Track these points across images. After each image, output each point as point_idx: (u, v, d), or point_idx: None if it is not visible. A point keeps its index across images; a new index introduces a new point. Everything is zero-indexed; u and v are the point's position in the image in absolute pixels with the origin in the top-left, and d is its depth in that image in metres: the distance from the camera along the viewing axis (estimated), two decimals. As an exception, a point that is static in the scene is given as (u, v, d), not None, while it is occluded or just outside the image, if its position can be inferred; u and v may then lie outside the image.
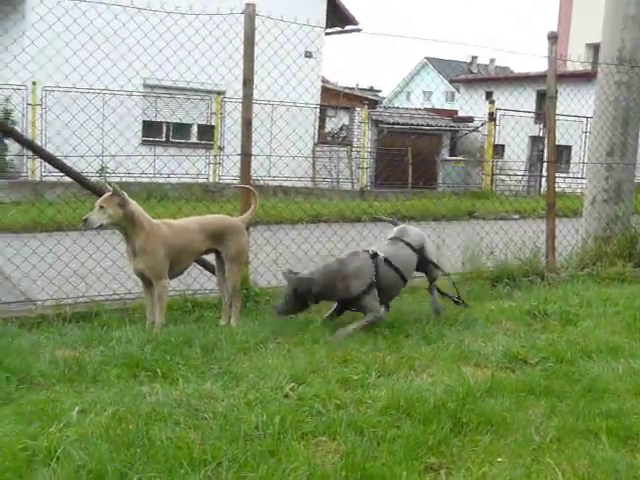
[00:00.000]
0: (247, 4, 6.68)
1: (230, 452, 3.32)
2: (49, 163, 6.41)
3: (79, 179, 6.46)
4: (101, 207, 5.45)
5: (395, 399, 4.05)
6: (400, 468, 3.30)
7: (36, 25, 10.88)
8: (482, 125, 21.80)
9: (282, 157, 14.59)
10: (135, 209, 5.55)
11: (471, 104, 26.35)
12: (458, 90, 38.13)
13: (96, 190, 6.35)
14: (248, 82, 6.76)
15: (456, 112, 31.78)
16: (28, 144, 6.78)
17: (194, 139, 20.73)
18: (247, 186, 6.60)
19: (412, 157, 22.69)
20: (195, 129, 20.74)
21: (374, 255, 5.91)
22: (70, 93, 15.39)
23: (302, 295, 5.75)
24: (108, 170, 16.43)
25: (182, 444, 3.37)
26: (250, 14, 6.63)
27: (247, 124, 6.78)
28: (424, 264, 6.35)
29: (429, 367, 4.79)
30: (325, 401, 4.07)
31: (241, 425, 3.64)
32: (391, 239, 6.26)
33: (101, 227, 5.51)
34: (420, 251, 6.25)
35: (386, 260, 5.92)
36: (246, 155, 6.77)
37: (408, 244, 6.18)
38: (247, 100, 6.75)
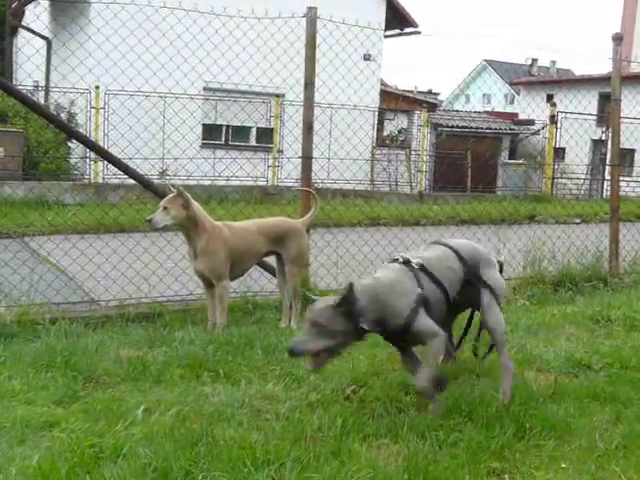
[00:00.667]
0: (309, 8, 6.72)
1: (293, 453, 3.34)
2: (113, 165, 6.51)
3: (141, 181, 6.57)
4: (165, 208, 5.53)
5: (457, 403, 4.03)
6: (462, 472, 3.28)
7: (102, 30, 11.18)
8: (543, 128, 21.51)
9: (342, 160, 14.63)
10: (197, 211, 5.62)
11: (532, 107, 26.00)
12: (518, 93, 37.72)
13: (158, 192, 6.44)
14: (309, 85, 6.79)
15: (516, 115, 31.44)
16: (92, 146, 6.88)
17: (253, 142, 20.86)
18: (308, 189, 6.63)
19: (471, 160, 22.51)
20: (254, 132, 20.87)
21: (406, 262, 4.16)
22: (132, 97, 15.70)
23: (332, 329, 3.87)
24: (169, 173, 16.64)
25: (245, 444, 3.39)
26: (312, 17, 6.66)
27: (308, 127, 6.81)
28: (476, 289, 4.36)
29: (491, 372, 4.73)
30: (386, 404, 4.07)
31: (303, 426, 3.66)
32: (431, 243, 4.59)
33: (165, 228, 5.60)
34: (472, 267, 4.34)
35: (422, 267, 4.14)
36: (307, 158, 6.80)
37: (454, 250, 4.37)
38: (308, 103, 6.78)
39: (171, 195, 5.61)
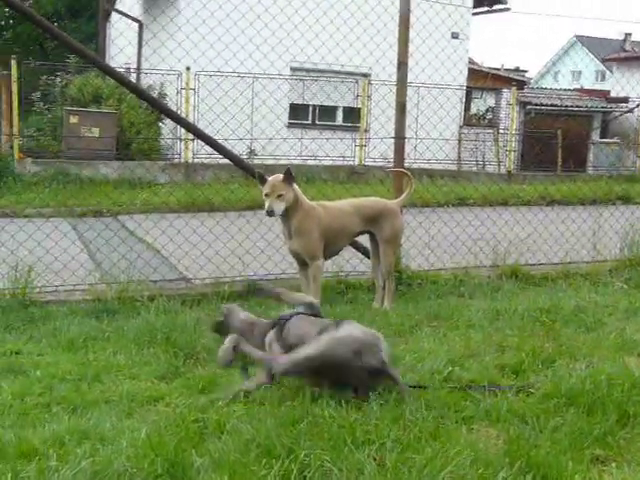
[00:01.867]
0: (403, -14, 6.66)
1: (392, 433, 3.35)
2: (205, 142, 6.60)
3: (233, 159, 6.63)
4: (279, 195, 5.47)
5: (556, 387, 3.96)
6: (565, 458, 3.22)
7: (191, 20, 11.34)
8: (638, 106, 20.86)
9: (430, 140, 14.49)
10: (297, 191, 5.65)
11: (624, 84, 25.22)
12: (610, 70, 36.64)
13: (249, 170, 6.51)
14: (402, 65, 6.75)
15: (608, 92, 30.54)
16: (185, 124, 7.00)
17: (340, 121, 20.85)
18: (403, 170, 6.60)
19: (561, 139, 22.01)
20: (341, 112, 20.85)
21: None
22: (221, 77, 15.88)
23: None
24: (256, 152, 16.81)
25: (345, 423, 3.42)
26: (405, -6, 6.61)
27: (401, 108, 6.77)
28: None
29: (590, 356, 4.63)
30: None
31: (402, 408, 3.66)
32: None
33: (282, 214, 5.57)
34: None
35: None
36: (400, 138, 6.77)
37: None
38: (401, 83, 6.74)
39: (277, 178, 5.54)
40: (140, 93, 7.06)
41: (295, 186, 5.64)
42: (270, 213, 5.50)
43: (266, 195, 5.52)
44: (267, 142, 16.12)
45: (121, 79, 6.83)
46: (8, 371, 4.26)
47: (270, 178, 5.58)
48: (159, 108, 7.22)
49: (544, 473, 3.08)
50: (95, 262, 7.59)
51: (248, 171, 6.58)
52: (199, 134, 6.75)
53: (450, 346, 4.80)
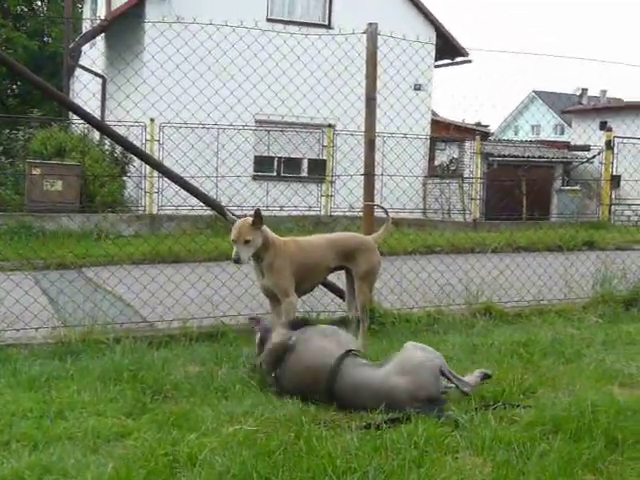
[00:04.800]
0: (369, 23, 6.68)
1: (375, 461, 3.19)
2: (177, 183, 6.47)
3: (202, 197, 6.51)
4: (247, 242, 5.20)
5: (541, 415, 3.85)
6: (556, 483, 3.10)
7: (156, 72, 11.31)
8: (599, 154, 21.12)
9: (396, 188, 14.50)
10: (266, 230, 5.46)
11: (582, 135, 25.69)
12: (569, 123, 37.33)
13: (217, 207, 6.39)
14: (371, 101, 6.72)
15: (568, 144, 31.05)
16: (159, 167, 6.89)
17: (305, 173, 20.88)
18: (377, 204, 6.52)
19: (525, 188, 22.22)
20: (306, 163, 20.89)
21: None
22: (184, 130, 15.85)
23: None
24: (223, 201, 16.67)
25: (324, 453, 3.26)
26: (372, 33, 6.61)
27: (370, 143, 6.72)
28: None
29: (571, 385, 4.54)
30: (465, 416, 3.89)
31: (382, 437, 3.51)
32: None
33: (249, 260, 5.36)
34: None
35: None
36: (369, 175, 6.70)
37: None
38: (370, 119, 6.70)
39: (245, 222, 5.27)
40: (109, 133, 6.92)
41: (264, 227, 5.44)
42: (237, 261, 5.20)
43: (233, 241, 5.23)
44: (235, 193, 16.03)
45: (92, 120, 6.72)
46: (-36, 410, 4.03)
47: (237, 222, 5.36)
48: (128, 147, 7.07)
49: (535, 499, 2.94)
50: (57, 307, 7.35)
51: (216, 209, 6.45)
52: (167, 173, 6.61)
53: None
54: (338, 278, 6.37)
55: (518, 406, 4.10)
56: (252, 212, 5.50)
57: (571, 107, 36.95)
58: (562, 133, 51.71)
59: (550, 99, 54.86)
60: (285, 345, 4.54)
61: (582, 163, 25.56)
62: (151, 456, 3.21)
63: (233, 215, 5.49)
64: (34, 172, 16.03)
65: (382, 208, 6.30)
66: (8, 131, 17.93)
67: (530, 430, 3.69)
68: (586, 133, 24.74)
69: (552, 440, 3.56)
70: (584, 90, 48.66)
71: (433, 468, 3.18)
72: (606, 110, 30.35)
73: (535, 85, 68.26)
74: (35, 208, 15.75)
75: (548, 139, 40.29)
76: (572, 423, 3.71)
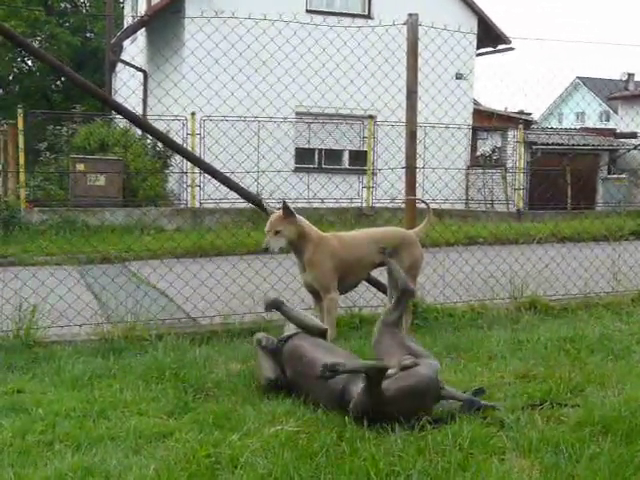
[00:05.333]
0: (410, 14, 6.59)
1: (418, 464, 3.13)
2: (216, 179, 6.46)
3: (242, 192, 6.49)
4: (277, 232, 5.38)
5: (590, 415, 3.74)
6: (607, 487, 3.00)
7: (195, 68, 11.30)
8: (646, 141, 20.77)
9: (438, 178, 14.34)
10: (304, 223, 5.50)
11: (629, 122, 25.17)
12: (615, 109, 36.69)
13: (260, 204, 6.37)
14: (412, 94, 6.62)
15: (614, 131, 30.49)
16: (198, 162, 6.88)
17: (346, 165, 20.79)
18: (419, 198, 6.45)
19: (569, 177, 21.88)
20: (347, 155, 20.80)
21: None
22: (224, 124, 15.87)
23: None
24: (264, 195, 16.68)
25: (367, 455, 3.20)
26: (413, 23, 6.51)
27: (411, 136, 6.63)
28: None
29: (621, 383, 4.41)
30: (512, 416, 3.81)
31: (426, 439, 3.44)
32: None
33: (282, 249, 5.47)
34: None
35: None
36: (411, 168, 6.62)
37: None
38: (411, 111, 6.61)
39: (278, 215, 5.46)
40: (152, 131, 6.95)
41: (301, 219, 5.49)
42: (266, 250, 5.43)
43: (266, 232, 5.49)
44: (275, 188, 16.01)
45: (134, 117, 6.78)
46: (9, 409, 4.04)
47: (272, 214, 5.50)
48: (169, 144, 7.09)
49: (586, 503, 2.85)
50: (101, 303, 7.39)
51: (255, 203, 6.43)
52: (207, 168, 6.61)
53: (472, 377, 4.59)
54: (380, 273, 6.30)
55: (566, 405, 4.00)
56: (293, 206, 5.54)
57: (617, 93, 36.24)
58: (608, 120, 50.86)
59: (595, 85, 53.95)
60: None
61: (629, 151, 25.06)
62: (193, 458, 3.18)
63: (272, 208, 5.54)
64: (78, 167, 16.19)
65: (423, 202, 6.24)
66: (52, 127, 18.09)
67: (579, 431, 3.60)
68: (633, 120, 24.22)
69: (602, 442, 3.46)
70: (630, 75, 47.75)
71: (479, 471, 3.10)
72: (654, 96, 29.76)
73: (579, 71, 67.25)
74: (79, 203, 15.92)
75: (593, 127, 39.64)
76: (623, 424, 3.61)
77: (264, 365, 4.45)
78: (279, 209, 5.51)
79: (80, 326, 6.19)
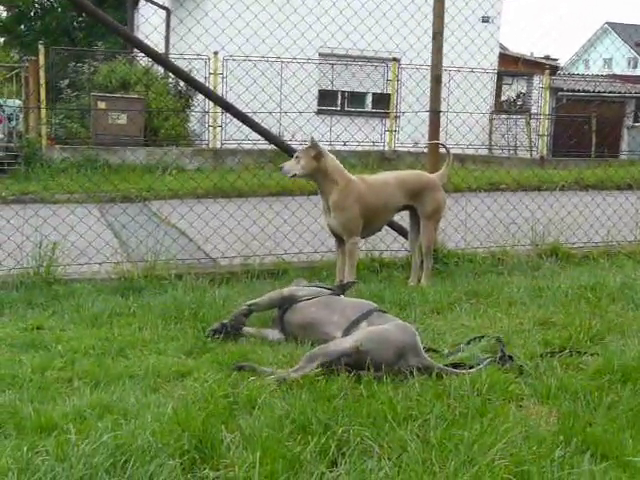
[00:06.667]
0: (438, -47, 6.41)
1: (436, 409, 3.12)
2: (238, 119, 6.40)
3: (266, 134, 6.43)
4: (297, 157, 5.44)
5: (609, 363, 3.71)
6: (624, 436, 2.98)
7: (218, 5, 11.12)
8: (674, 89, 20.39)
9: (462, 122, 14.15)
10: (330, 164, 5.45)
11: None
12: (644, 55, 35.97)
13: (283, 147, 6.32)
14: (437, 36, 6.50)
15: (641, 78, 29.96)
16: (220, 101, 6.81)
17: (369, 107, 20.57)
18: (440, 142, 6.36)
19: (595, 125, 21.57)
20: (370, 98, 20.57)
21: None
22: (247, 64, 15.68)
23: None
24: (286, 136, 16.57)
25: (385, 399, 3.20)
26: (441, -37, 6.35)
27: (436, 80, 6.52)
28: None
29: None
30: (530, 363, 3.79)
31: (444, 383, 3.44)
32: None
33: (295, 176, 5.48)
34: None
35: None
36: (435, 112, 6.51)
37: None
38: (436, 54, 6.49)
39: (305, 146, 5.52)
40: (174, 69, 6.89)
41: (330, 157, 5.45)
42: (280, 168, 5.52)
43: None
44: (297, 130, 15.89)
45: (156, 55, 6.70)
46: (29, 345, 4.08)
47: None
48: (190, 82, 7.01)
49: (603, 451, 2.84)
50: (121, 242, 7.42)
51: (280, 146, 6.38)
52: (229, 108, 6.53)
53: (492, 323, 4.57)
54: (402, 217, 6.26)
55: (585, 353, 3.97)
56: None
57: (646, 40, 35.51)
58: (635, 66, 49.93)
59: (625, 31, 52.82)
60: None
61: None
62: (210, 397, 3.18)
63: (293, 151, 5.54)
64: (99, 105, 16.12)
65: (444, 146, 6.17)
66: (74, 64, 17.98)
67: (597, 379, 3.57)
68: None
69: (620, 390, 3.43)
70: (661, 21, 46.63)
71: (496, 417, 3.09)
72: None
73: (609, 17, 65.84)
74: (100, 141, 15.90)
75: (621, 73, 38.92)
76: (642, 373, 3.58)
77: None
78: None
79: (100, 264, 6.22)
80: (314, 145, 5.39)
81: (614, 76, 31.21)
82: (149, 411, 3.05)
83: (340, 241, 5.63)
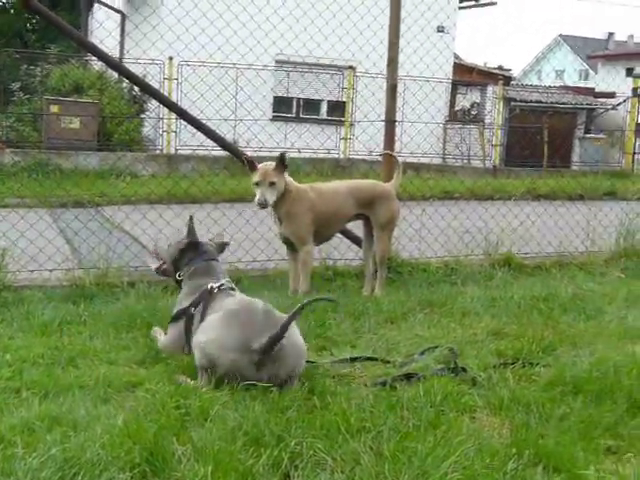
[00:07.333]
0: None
1: (390, 421, 3.11)
2: (192, 125, 6.36)
3: (220, 141, 6.40)
4: (272, 184, 5.21)
5: (561, 375, 3.74)
6: (576, 448, 3.00)
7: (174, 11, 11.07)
8: (624, 101, 20.72)
9: (416, 132, 14.27)
10: (287, 177, 5.39)
11: (611, 81, 25.19)
12: (594, 68, 36.62)
13: (236, 153, 6.29)
14: (393, 46, 6.54)
15: (592, 90, 30.48)
16: (174, 107, 6.75)
17: (324, 115, 20.62)
18: (390, 152, 6.38)
19: (547, 135, 21.89)
20: (325, 105, 20.62)
21: None
22: (202, 70, 15.61)
23: None
24: (241, 143, 16.52)
25: (338, 410, 3.18)
26: (397, -28, 6.39)
27: (392, 89, 6.56)
28: None
29: (592, 344, 4.42)
30: (483, 374, 3.81)
31: (397, 395, 3.43)
32: None
33: (274, 204, 5.31)
34: None
35: None
36: (390, 122, 6.54)
37: None
38: (392, 64, 6.53)
39: (269, 166, 5.28)
40: (128, 75, 6.82)
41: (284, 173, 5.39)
42: (262, 204, 5.20)
43: (256, 184, 5.22)
44: (253, 132, 15.86)
45: (110, 60, 6.66)
46: (-25, 354, 3.99)
47: (260, 165, 5.31)
48: (145, 87, 6.96)
49: (555, 464, 2.86)
50: (73, 248, 7.31)
51: (235, 154, 6.34)
52: (183, 114, 6.49)
53: (445, 333, 4.59)
54: (356, 226, 6.27)
55: (537, 364, 4.00)
56: (271, 155, 5.45)
57: (597, 52, 36.19)
58: (587, 78, 50.83)
59: (576, 43, 53.84)
60: None
61: (607, 110, 25.12)
62: (162, 409, 3.14)
63: (252, 162, 5.37)
64: (51, 109, 15.91)
65: (392, 155, 6.21)
66: (26, 67, 17.77)
67: (550, 390, 3.60)
68: (613, 80, 24.26)
69: (572, 402, 3.45)
70: (610, 34, 47.69)
71: (450, 429, 3.09)
72: (635, 56, 29.74)
73: (561, 29, 66.90)
74: (52, 145, 15.68)
75: (573, 85, 39.58)
76: (593, 384, 3.61)
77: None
78: (263, 164, 5.36)
79: (51, 271, 6.12)
80: (284, 160, 5.27)
81: (566, 87, 31.72)
82: (99, 423, 2.99)
83: (292, 249, 5.60)
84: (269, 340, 3.38)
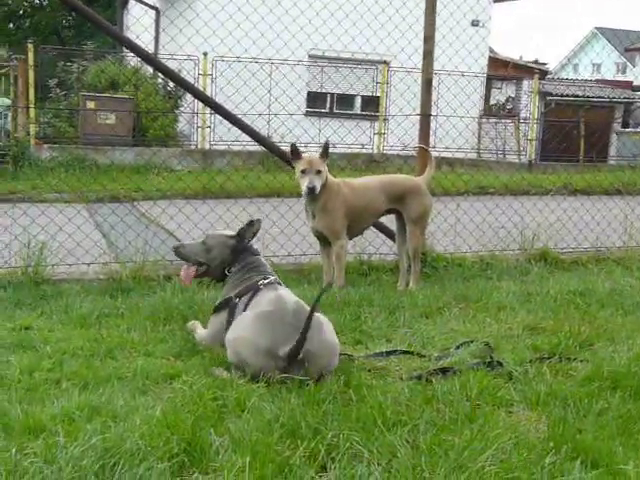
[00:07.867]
0: (430, -43, 6.41)
1: (426, 415, 3.11)
2: (228, 120, 6.38)
3: (256, 136, 6.42)
4: (318, 172, 5.28)
5: (598, 370, 3.71)
6: (614, 443, 2.97)
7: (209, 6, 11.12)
8: (663, 95, 20.45)
9: (450, 126, 14.17)
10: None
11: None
12: (632, 60, 36.14)
13: (273, 149, 6.30)
14: (429, 39, 6.50)
15: (630, 83, 30.06)
16: (210, 102, 6.77)
17: (358, 110, 20.58)
18: (423, 146, 6.36)
19: (583, 130, 21.65)
20: (359, 100, 20.58)
21: None
22: (237, 65, 15.64)
23: None
24: (275, 138, 16.54)
25: (374, 404, 3.19)
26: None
27: (427, 83, 6.52)
28: None
29: (630, 339, 4.38)
30: (519, 368, 3.79)
31: (434, 389, 3.43)
32: None
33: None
34: None
35: None
36: (425, 116, 6.52)
37: None
38: (428, 57, 6.49)
39: (314, 155, 5.39)
40: (163, 69, 6.88)
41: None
42: (311, 190, 5.25)
43: (303, 172, 5.29)
44: (287, 132, 15.89)
45: (146, 56, 6.72)
46: (17, 346, 4.05)
47: (305, 155, 5.37)
48: (180, 83, 6.99)
49: (593, 458, 2.84)
50: (109, 242, 7.38)
51: (270, 148, 6.36)
52: (218, 109, 6.51)
53: (481, 328, 4.57)
54: (390, 221, 6.26)
55: (574, 359, 3.98)
56: (304, 150, 5.47)
57: (636, 45, 35.68)
58: (624, 72, 50.14)
59: (613, 36, 53.09)
60: None
61: (645, 104, 24.79)
62: (199, 400, 3.17)
63: (298, 150, 5.40)
64: (88, 105, 16.06)
65: (426, 149, 6.19)
66: (63, 63, 17.89)
67: (587, 386, 3.57)
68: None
69: (610, 397, 3.43)
70: (649, 27, 46.85)
71: (486, 423, 3.08)
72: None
73: (598, 22, 66.20)
74: (88, 141, 15.83)
75: (610, 78, 39.09)
76: (632, 380, 3.58)
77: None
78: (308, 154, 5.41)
79: (88, 265, 6.20)
80: (327, 151, 5.34)
81: (603, 81, 31.32)
82: (138, 414, 3.03)
83: (325, 244, 5.62)
84: (293, 347, 3.42)
